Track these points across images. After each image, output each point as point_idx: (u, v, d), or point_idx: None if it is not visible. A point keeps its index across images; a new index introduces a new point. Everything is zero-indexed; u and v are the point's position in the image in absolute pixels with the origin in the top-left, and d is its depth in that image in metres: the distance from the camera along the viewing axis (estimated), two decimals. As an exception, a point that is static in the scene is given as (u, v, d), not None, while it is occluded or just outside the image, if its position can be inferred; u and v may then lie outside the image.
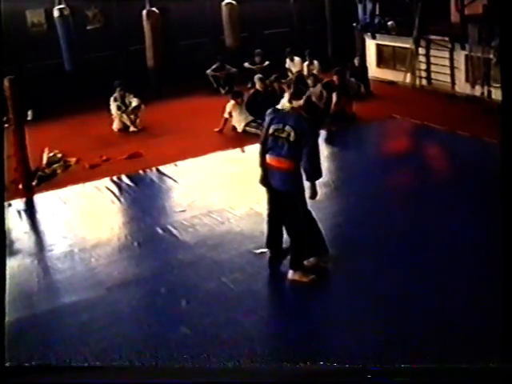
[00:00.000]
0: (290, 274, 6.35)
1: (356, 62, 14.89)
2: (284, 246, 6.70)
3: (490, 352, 4.84)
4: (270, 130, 6.26)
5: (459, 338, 5.34)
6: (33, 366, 5.09)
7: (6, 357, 4.59)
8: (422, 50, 14.79)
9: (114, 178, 9.58)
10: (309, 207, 6.47)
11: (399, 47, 15.40)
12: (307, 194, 6.30)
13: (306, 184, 6.30)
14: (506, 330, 4.26)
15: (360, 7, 16.37)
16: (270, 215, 6.62)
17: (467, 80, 13.66)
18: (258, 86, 12.76)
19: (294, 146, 6.07)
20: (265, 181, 6.41)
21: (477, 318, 5.60)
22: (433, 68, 14.72)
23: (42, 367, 5.06)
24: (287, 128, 6.12)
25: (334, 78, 13.13)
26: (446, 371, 4.54)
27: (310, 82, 12.79)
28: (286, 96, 6.43)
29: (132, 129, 12.62)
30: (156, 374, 4.92)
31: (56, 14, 12.02)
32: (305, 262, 6.46)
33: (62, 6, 11.95)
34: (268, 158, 6.30)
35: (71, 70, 12.31)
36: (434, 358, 5.04)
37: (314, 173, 6.20)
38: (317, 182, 6.35)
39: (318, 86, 12.69)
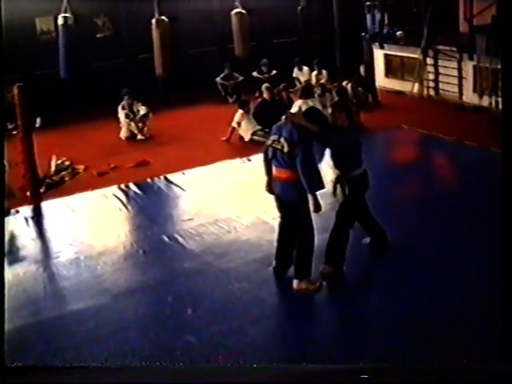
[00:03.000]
0: (296, 283, 6.33)
1: (364, 71, 14.90)
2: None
3: (490, 352, 4.83)
4: (269, 141, 6.31)
5: (459, 338, 5.37)
6: (33, 366, 5.08)
7: (7, 359, 4.59)
8: (430, 60, 14.79)
9: (122, 186, 9.59)
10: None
11: (407, 57, 15.39)
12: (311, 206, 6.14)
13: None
14: (506, 330, 4.25)
15: (369, 17, 16.41)
16: (280, 225, 6.62)
17: (475, 90, 13.65)
18: (265, 95, 12.77)
19: (288, 156, 6.06)
20: (269, 188, 6.42)
21: (477, 318, 5.61)
22: (441, 78, 14.70)
23: (41, 367, 5.05)
24: (281, 140, 6.11)
25: (348, 86, 13.22)
26: (446, 371, 4.54)
27: (317, 91, 12.81)
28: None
29: (140, 137, 12.66)
30: (157, 374, 4.91)
31: (60, 21, 12.01)
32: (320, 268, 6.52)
33: (66, 15, 11.94)
34: (273, 169, 6.31)
35: (66, 79, 12.33)
36: (434, 358, 5.04)
37: (310, 183, 6.01)
38: (323, 193, 6.28)
39: (327, 95, 12.73)
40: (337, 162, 6.41)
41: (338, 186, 6.40)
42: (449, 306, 5.88)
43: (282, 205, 6.42)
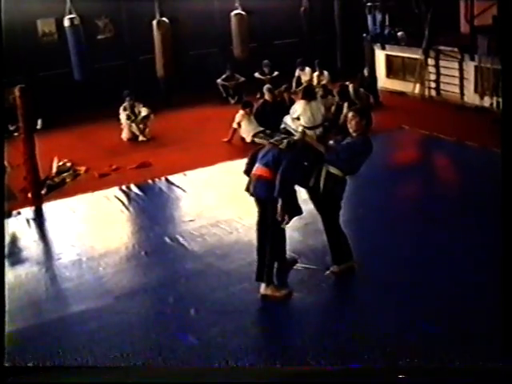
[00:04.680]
0: (262, 288, 6.27)
1: (365, 72, 14.89)
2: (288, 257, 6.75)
3: (490, 352, 4.84)
4: (272, 140, 6.44)
5: (459, 337, 5.36)
6: (33, 366, 5.09)
7: (8, 360, 4.61)
8: (431, 61, 14.80)
9: (123, 187, 9.59)
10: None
11: (409, 58, 15.41)
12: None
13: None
14: (506, 330, 4.26)
15: (370, 18, 16.41)
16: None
17: (476, 91, 13.67)
18: (266, 96, 12.77)
19: (280, 154, 6.06)
20: (247, 187, 6.36)
21: (477, 318, 5.61)
22: (442, 79, 14.72)
23: (42, 367, 5.06)
24: (284, 140, 6.21)
25: (350, 86, 13.21)
26: (446, 371, 4.54)
27: (319, 92, 12.81)
28: None
29: (141, 138, 12.68)
30: (158, 374, 4.92)
31: (66, 23, 12.05)
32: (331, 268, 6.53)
33: (72, 16, 11.99)
34: (255, 167, 6.25)
35: (80, 80, 12.36)
36: (435, 358, 5.04)
37: (281, 186, 5.94)
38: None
39: (329, 97, 12.73)
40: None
41: (314, 174, 6.26)
42: (449, 306, 5.90)
43: (257, 204, 6.37)
